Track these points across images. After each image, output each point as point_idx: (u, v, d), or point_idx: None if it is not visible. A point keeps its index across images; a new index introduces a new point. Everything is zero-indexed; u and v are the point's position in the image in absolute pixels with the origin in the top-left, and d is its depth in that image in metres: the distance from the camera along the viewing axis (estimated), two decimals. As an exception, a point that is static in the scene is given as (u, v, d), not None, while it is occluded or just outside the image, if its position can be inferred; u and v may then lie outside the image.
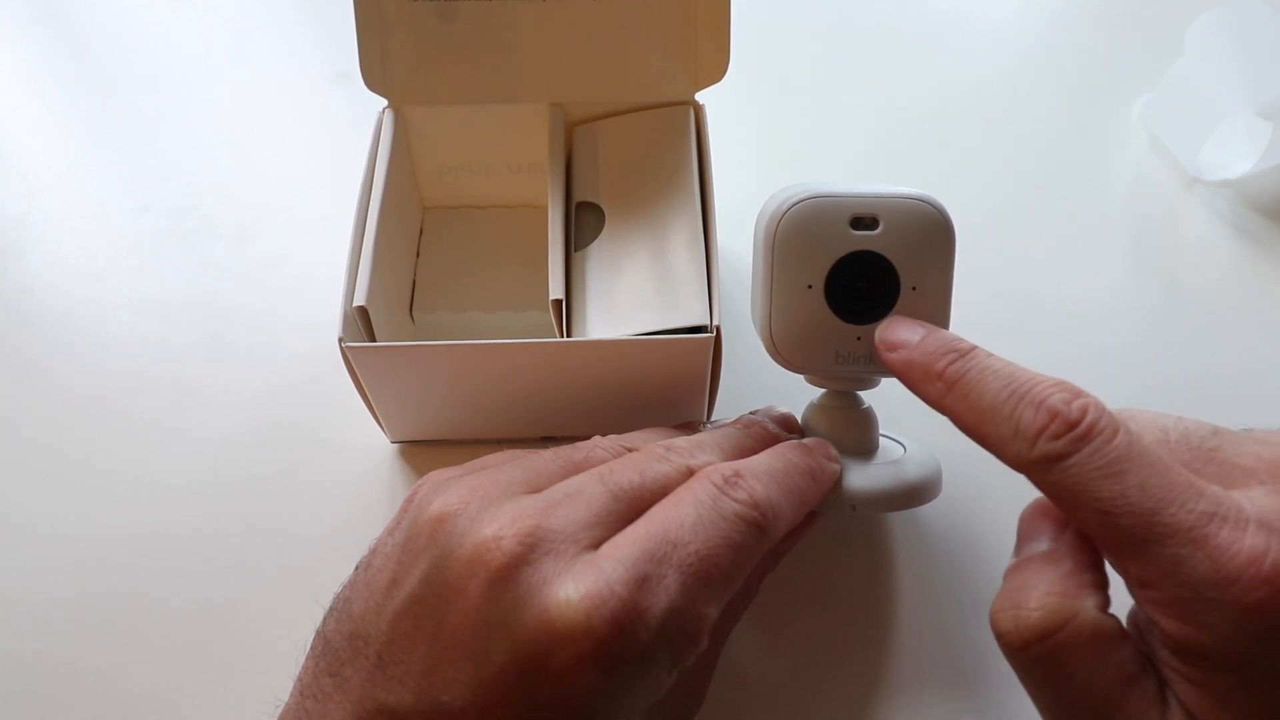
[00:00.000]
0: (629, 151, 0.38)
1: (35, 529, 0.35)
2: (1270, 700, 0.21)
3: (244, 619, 0.33)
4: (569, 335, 0.33)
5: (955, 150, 0.48)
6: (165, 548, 0.34)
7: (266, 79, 0.52)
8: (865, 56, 0.53)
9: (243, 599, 0.33)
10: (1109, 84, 0.51)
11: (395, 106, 0.37)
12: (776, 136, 0.49)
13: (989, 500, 0.34)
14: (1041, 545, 0.25)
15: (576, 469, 0.26)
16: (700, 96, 0.38)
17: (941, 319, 0.28)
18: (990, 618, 0.24)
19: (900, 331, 0.27)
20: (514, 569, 0.22)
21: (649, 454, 0.26)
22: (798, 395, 0.31)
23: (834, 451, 0.29)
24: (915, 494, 0.29)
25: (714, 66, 0.37)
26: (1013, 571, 0.24)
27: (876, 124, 0.49)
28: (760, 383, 0.37)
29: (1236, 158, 0.45)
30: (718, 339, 0.31)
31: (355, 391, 0.33)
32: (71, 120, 0.50)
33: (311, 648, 0.25)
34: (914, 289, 0.27)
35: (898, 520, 0.35)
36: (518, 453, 0.27)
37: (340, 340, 0.31)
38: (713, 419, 0.34)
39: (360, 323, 0.32)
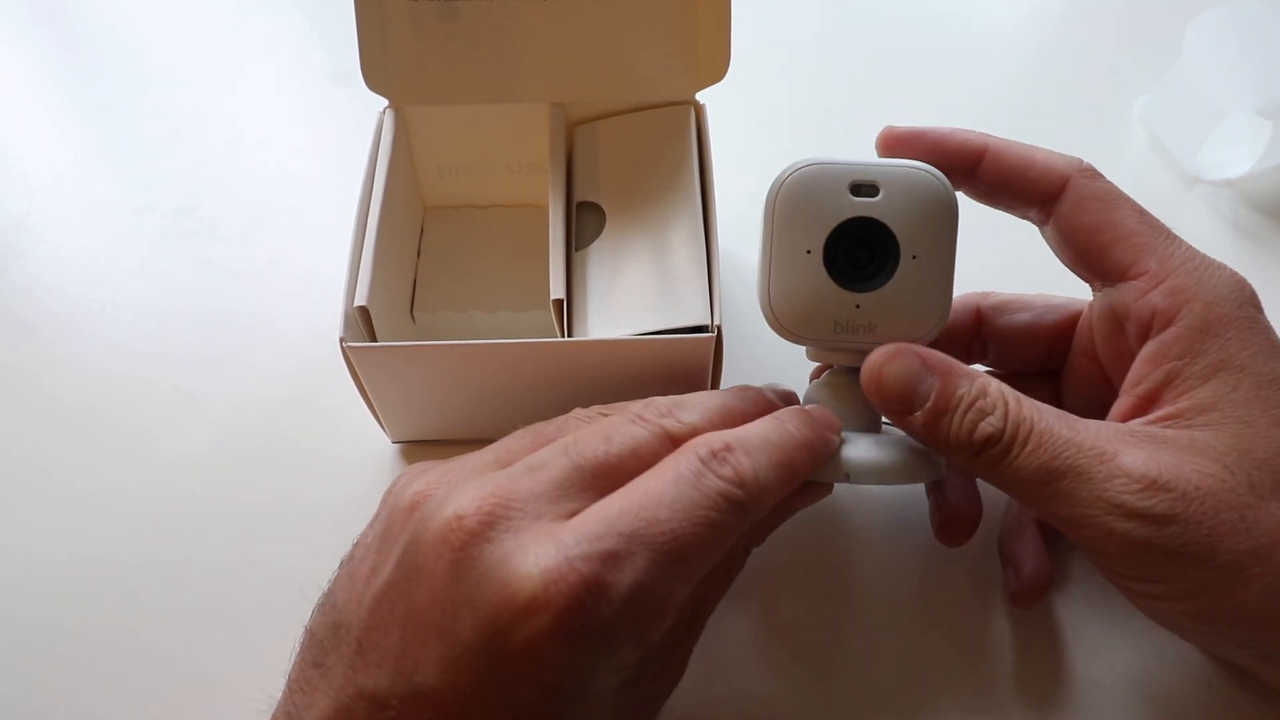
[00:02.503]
0: (630, 151, 0.38)
1: (36, 527, 0.35)
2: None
3: (243, 619, 0.33)
4: (570, 335, 0.33)
5: (955, 150, 0.48)
6: (164, 545, 0.34)
7: (266, 79, 0.52)
8: (865, 56, 0.53)
9: (241, 599, 0.33)
10: (1109, 84, 0.51)
11: (396, 106, 0.37)
12: (777, 137, 0.49)
13: (985, 488, 0.34)
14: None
15: (547, 442, 0.25)
16: (701, 96, 0.38)
17: (943, 290, 0.27)
18: (961, 444, 0.26)
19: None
20: (477, 546, 0.22)
21: (621, 417, 0.26)
22: (799, 386, 0.31)
23: (837, 422, 0.28)
24: (912, 467, 0.28)
25: (715, 66, 0.37)
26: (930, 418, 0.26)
27: (877, 124, 0.49)
28: (761, 382, 0.37)
29: (1236, 157, 0.45)
30: (719, 339, 0.31)
31: (356, 391, 0.33)
32: (71, 120, 0.50)
33: (300, 643, 0.25)
34: (914, 258, 0.27)
35: (889, 504, 0.35)
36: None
37: (341, 340, 0.31)
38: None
39: (361, 323, 0.32)
